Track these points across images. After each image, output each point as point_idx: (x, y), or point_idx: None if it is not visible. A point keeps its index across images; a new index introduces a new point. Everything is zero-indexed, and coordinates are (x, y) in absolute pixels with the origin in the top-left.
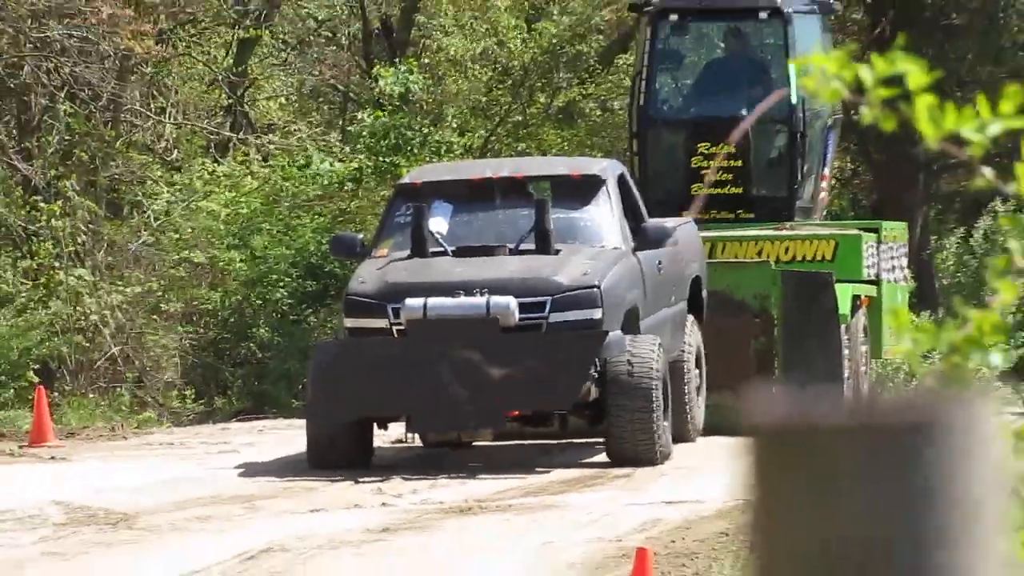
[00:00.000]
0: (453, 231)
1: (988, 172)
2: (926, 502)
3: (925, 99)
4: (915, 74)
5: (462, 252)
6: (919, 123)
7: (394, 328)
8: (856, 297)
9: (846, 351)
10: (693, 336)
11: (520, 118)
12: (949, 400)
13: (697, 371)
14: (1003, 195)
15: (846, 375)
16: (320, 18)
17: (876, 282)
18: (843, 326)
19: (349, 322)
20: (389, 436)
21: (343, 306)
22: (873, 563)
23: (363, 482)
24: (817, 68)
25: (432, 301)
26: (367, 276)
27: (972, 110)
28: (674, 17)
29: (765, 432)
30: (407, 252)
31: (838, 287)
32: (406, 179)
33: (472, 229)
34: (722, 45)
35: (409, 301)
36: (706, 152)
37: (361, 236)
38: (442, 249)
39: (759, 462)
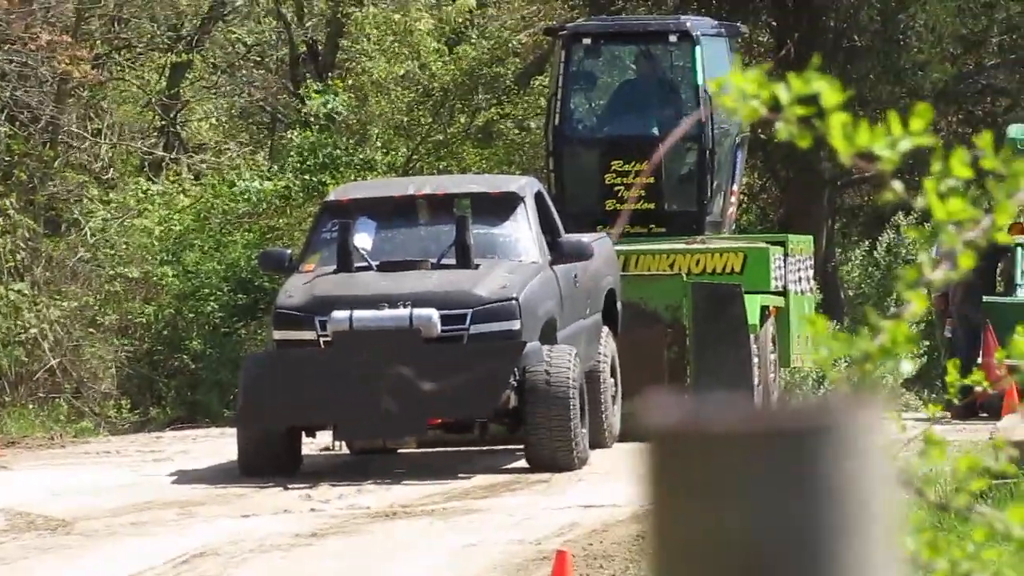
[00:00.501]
0: (377, 246)
1: (898, 186)
2: (818, 504)
3: (839, 117)
4: (829, 93)
5: (386, 267)
6: (833, 140)
7: (321, 340)
8: (764, 308)
9: (755, 360)
10: (608, 346)
11: (441, 137)
12: (840, 405)
13: (612, 380)
14: (908, 209)
15: (756, 383)
16: (249, 43)
17: (784, 293)
18: (752, 336)
19: (278, 334)
20: (317, 444)
21: (272, 319)
22: (766, 564)
23: (292, 488)
24: (735, 87)
25: (357, 313)
26: (295, 290)
27: (883, 128)
28: (587, 40)
29: (661, 436)
30: (333, 267)
31: (747, 298)
32: (332, 196)
33: (395, 244)
34: (633, 67)
35: (335, 313)
36: (619, 169)
37: (289, 252)
38: (367, 264)
39: (655, 466)
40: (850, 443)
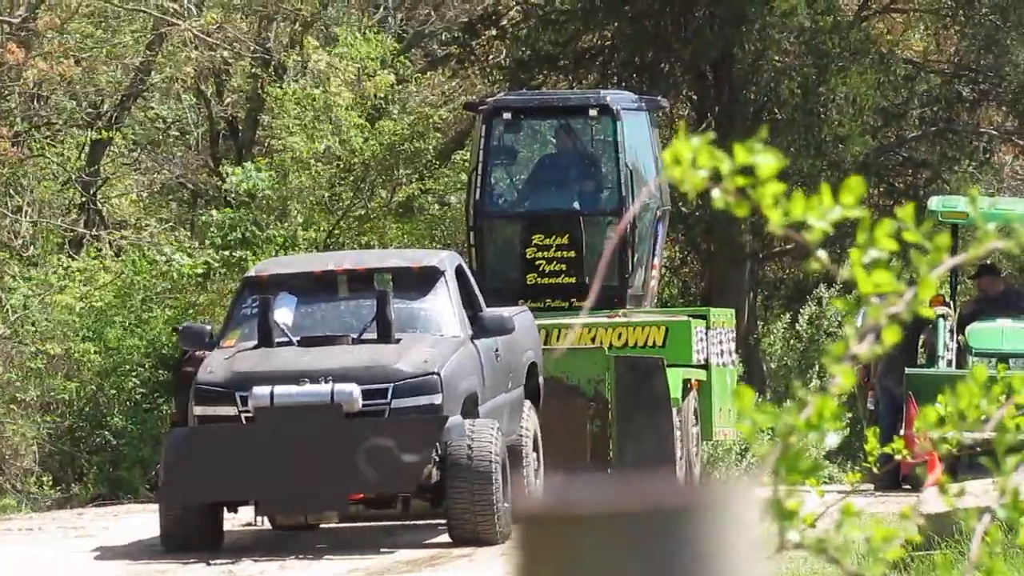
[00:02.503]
0: (298, 321)
1: (823, 256)
2: None
3: (772, 187)
4: (764, 164)
5: (307, 342)
6: (766, 210)
7: (242, 415)
8: (687, 381)
9: (678, 433)
10: (530, 420)
11: (363, 212)
12: (709, 485)
13: (535, 454)
14: (830, 281)
15: (679, 456)
16: (169, 119)
17: (706, 366)
18: (675, 409)
19: (199, 410)
20: (240, 519)
21: (192, 395)
22: None
23: (214, 564)
24: (684, 158)
25: (279, 389)
26: (215, 366)
27: (816, 199)
28: (507, 115)
29: (528, 520)
30: (254, 342)
31: (669, 371)
32: (252, 272)
33: (316, 319)
34: (554, 141)
35: (256, 389)
36: (539, 244)
37: (210, 327)
38: (287, 339)
39: (524, 548)
40: (714, 522)
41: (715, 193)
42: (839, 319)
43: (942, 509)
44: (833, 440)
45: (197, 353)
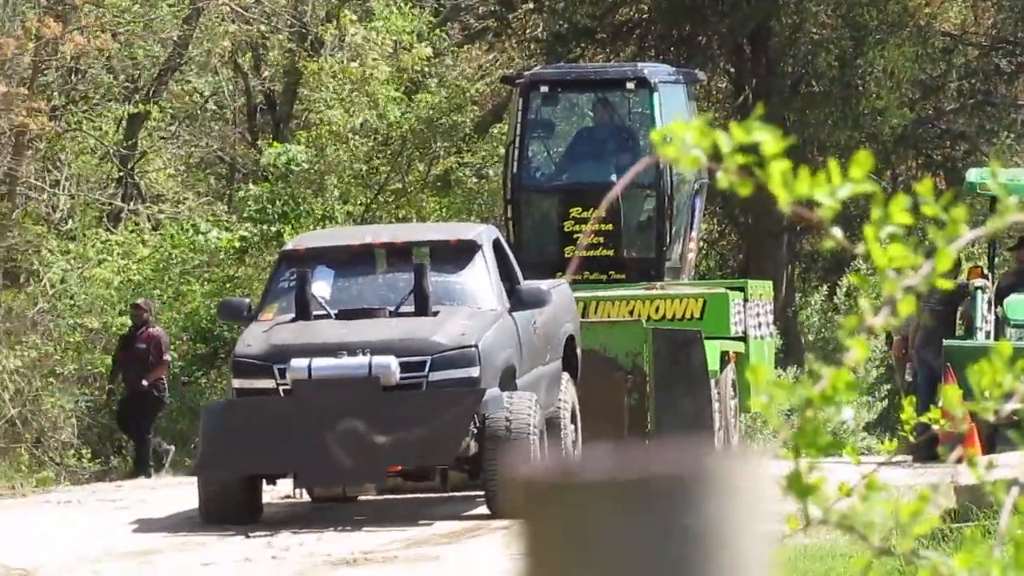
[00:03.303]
0: (335, 295)
1: (837, 233)
2: (690, 551)
3: (778, 165)
4: (769, 142)
5: (344, 315)
6: (773, 188)
7: (280, 388)
8: (724, 353)
9: (716, 405)
10: (568, 393)
11: (400, 186)
12: (710, 454)
13: (573, 427)
14: (856, 254)
15: (716, 428)
16: (206, 93)
17: (744, 338)
18: (713, 381)
19: (237, 383)
20: (278, 492)
21: (231, 368)
22: None
23: (253, 536)
24: (678, 136)
25: (316, 362)
26: (253, 339)
27: (824, 175)
28: (544, 88)
29: (531, 487)
30: (291, 316)
31: (707, 344)
32: (289, 245)
33: (353, 293)
34: (591, 114)
35: (294, 362)
36: (577, 216)
37: (248, 301)
38: (325, 312)
39: (526, 516)
40: (719, 490)
41: (719, 174)
42: (876, 292)
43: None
44: (848, 414)
45: (151, 331)
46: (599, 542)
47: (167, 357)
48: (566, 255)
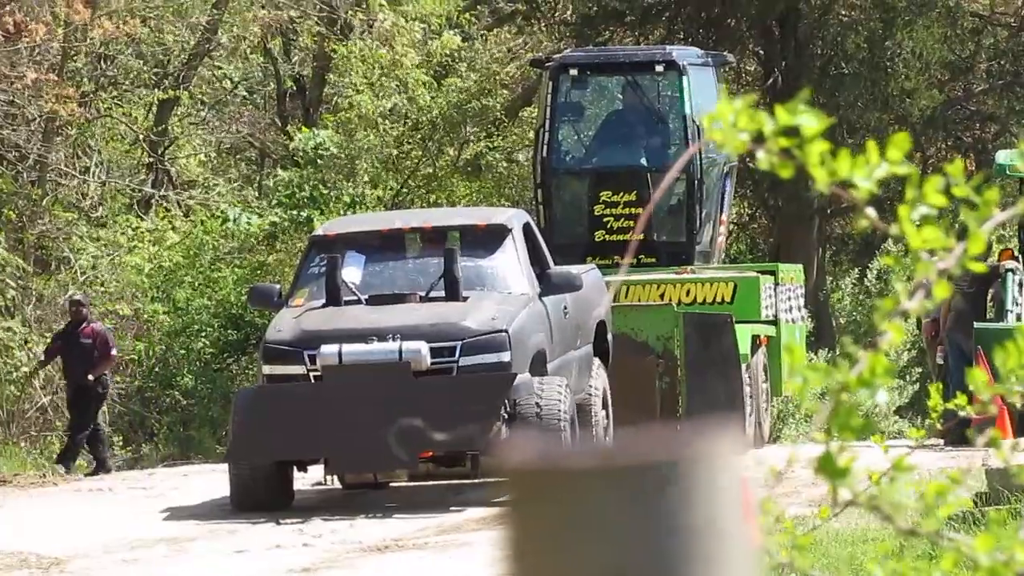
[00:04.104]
0: (366, 280)
1: (871, 213)
2: (671, 537)
3: (817, 146)
4: (809, 124)
5: (375, 300)
6: (811, 169)
7: (311, 374)
8: (755, 337)
9: (747, 389)
10: (599, 379)
11: (430, 170)
12: (691, 439)
13: (604, 412)
14: (887, 236)
15: (748, 412)
16: (236, 79)
17: (775, 322)
18: (744, 365)
19: (267, 369)
20: (309, 479)
21: (261, 354)
22: None
23: (284, 523)
24: (724, 120)
25: (347, 347)
26: (284, 325)
27: (863, 157)
28: (574, 72)
29: (517, 473)
30: (322, 301)
31: (738, 328)
32: (320, 231)
33: (384, 278)
34: (621, 98)
35: (325, 348)
36: (607, 200)
37: (279, 287)
38: (355, 298)
39: (513, 502)
40: (705, 475)
41: (759, 154)
42: (908, 274)
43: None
44: (883, 398)
45: (93, 326)
46: (588, 528)
47: (115, 352)
48: (596, 239)
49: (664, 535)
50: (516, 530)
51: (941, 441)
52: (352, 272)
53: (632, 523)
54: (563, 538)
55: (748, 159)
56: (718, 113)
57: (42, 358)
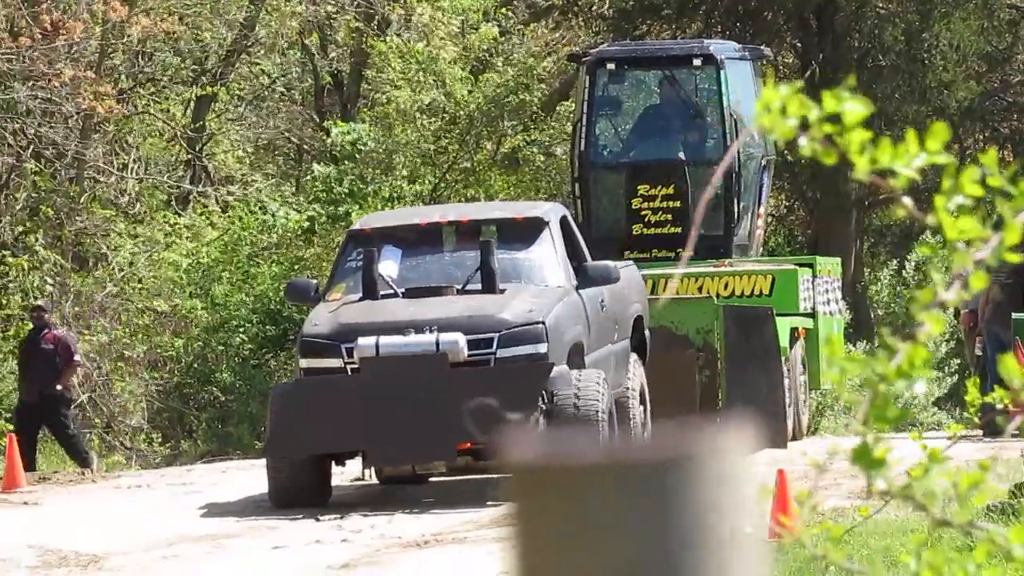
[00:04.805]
0: (403, 274)
1: (908, 202)
2: (679, 535)
3: (858, 134)
4: (852, 111)
5: (412, 293)
6: (852, 156)
7: (348, 367)
8: (794, 330)
9: (786, 382)
10: (636, 374)
11: (468, 165)
12: (699, 436)
13: (641, 408)
14: (925, 227)
15: (788, 405)
16: (273, 74)
17: (812, 315)
18: (783, 358)
19: (304, 363)
20: (348, 475)
21: (298, 347)
22: None
23: (323, 519)
24: (773, 106)
25: (384, 340)
26: (320, 319)
27: (903, 146)
28: (611, 66)
29: (522, 470)
30: (359, 295)
31: (777, 320)
32: (357, 225)
33: (421, 271)
34: (658, 91)
35: (362, 340)
36: (644, 194)
37: (316, 282)
38: (392, 291)
39: (518, 499)
40: (713, 472)
41: (802, 141)
42: (946, 265)
43: None
44: (921, 388)
45: (54, 332)
46: (594, 526)
47: (78, 358)
48: (634, 232)
49: (671, 532)
50: (521, 528)
51: (980, 432)
52: (389, 266)
53: (639, 521)
54: (569, 536)
55: (787, 151)
56: (766, 99)
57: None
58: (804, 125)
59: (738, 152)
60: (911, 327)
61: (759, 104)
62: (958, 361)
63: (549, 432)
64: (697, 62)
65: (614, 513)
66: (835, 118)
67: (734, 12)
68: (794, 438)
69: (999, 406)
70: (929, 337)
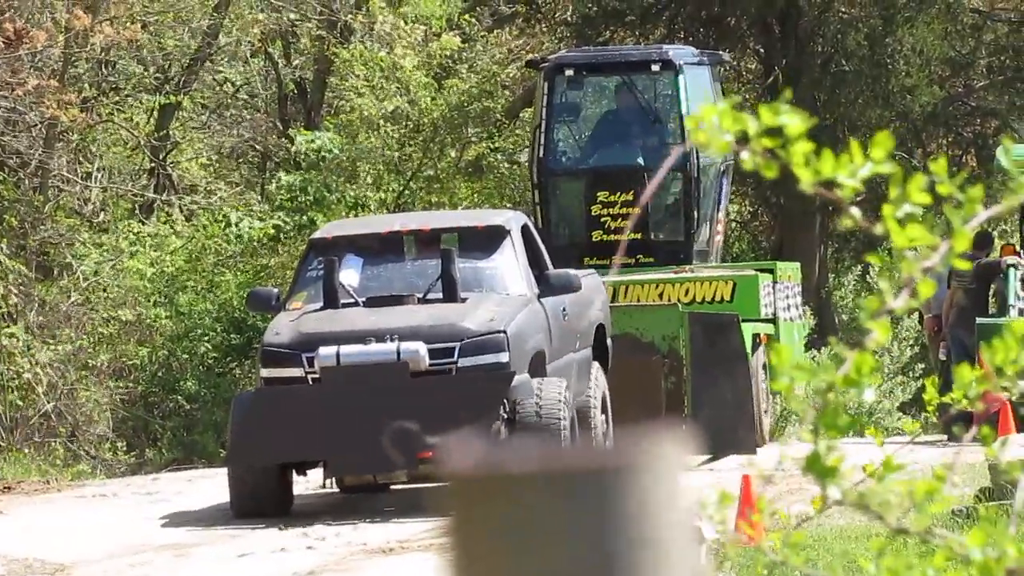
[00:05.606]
0: (364, 282)
1: (856, 212)
2: (613, 544)
3: (801, 146)
4: (793, 123)
5: (373, 302)
6: (796, 169)
7: (309, 376)
8: (756, 335)
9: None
10: (599, 383)
11: (432, 172)
12: (636, 445)
13: (603, 417)
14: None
15: (753, 411)
16: (237, 82)
17: (774, 320)
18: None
19: (265, 372)
20: (310, 483)
21: (259, 357)
22: None
23: (288, 527)
24: (708, 121)
25: (345, 349)
26: (281, 328)
27: (847, 156)
28: (569, 72)
29: (457, 479)
30: (320, 304)
31: (742, 326)
32: (318, 234)
33: (382, 280)
34: (616, 97)
35: (322, 350)
36: (604, 200)
37: (277, 291)
38: (353, 300)
39: (455, 509)
40: (648, 481)
41: (744, 155)
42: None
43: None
44: (870, 396)
45: None
46: (529, 535)
47: None
48: (594, 239)
49: (606, 541)
50: (458, 538)
51: (944, 437)
52: (350, 275)
53: (573, 529)
54: (504, 545)
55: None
56: (702, 114)
57: None
58: (747, 138)
59: (697, 158)
60: (860, 334)
61: (689, 120)
62: (923, 366)
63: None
64: (655, 67)
65: (548, 522)
66: (780, 132)
67: (697, 18)
68: (757, 444)
69: (956, 408)
70: (879, 344)
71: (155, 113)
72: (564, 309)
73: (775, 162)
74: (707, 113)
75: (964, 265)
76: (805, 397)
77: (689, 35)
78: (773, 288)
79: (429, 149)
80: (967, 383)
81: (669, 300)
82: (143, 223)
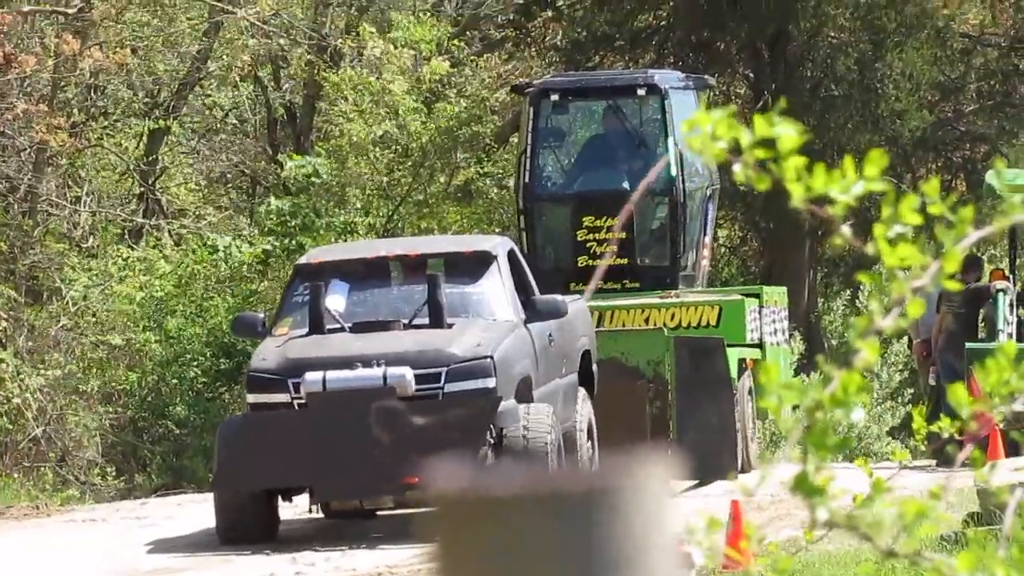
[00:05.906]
0: (350, 308)
1: (846, 231)
2: (602, 566)
3: (794, 160)
4: (786, 136)
5: (359, 328)
6: (788, 183)
7: (295, 402)
8: (742, 360)
9: (736, 412)
10: (584, 408)
11: (421, 197)
12: (620, 468)
13: (589, 443)
14: (878, 257)
15: (739, 435)
16: (226, 107)
17: (760, 345)
18: (733, 388)
19: (252, 398)
20: (296, 509)
21: (245, 382)
22: None
23: (276, 553)
24: (703, 128)
25: (331, 374)
26: (268, 353)
27: (839, 172)
28: (555, 96)
29: (443, 501)
30: (306, 329)
31: (727, 351)
32: (304, 259)
33: (368, 305)
34: (602, 122)
35: (309, 375)
36: (590, 225)
37: (263, 316)
38: (339, 325)
39: (442, 532)
40: (632, 503)
41: (736, 167)
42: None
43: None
44: (859, 416)
45: None
46: (516, 557)
47: None
48: (580, 264)
49: (592, 564)
50: (446, 561)
51: (933, 462)
52: (336, 300)
53: (560, 552)
54: (492, 568)
55: (740, 184)
56: (697, 120)
57: None
58: (740, 152)
59: (684, 183)
60: (849, 355)
61: (685, 124)
62: (912, 391)
63: (473, 466)
64: (641, 92)
65: (532, 544)
66: (774, 145)
67: (687, 43)
68: (743, 470)
69: (945, 435)
70: (867, 364)
71: (144, 138)
72: (551, 335)
73: (767, 176)
74: (702, 119)
75: (954, 286)
76: (794, 419)
77: (679, 60)
78: (759, 313)
79: (418, 174)
80: (963, 404)
81: (655, 325)
82: (132, 248)
